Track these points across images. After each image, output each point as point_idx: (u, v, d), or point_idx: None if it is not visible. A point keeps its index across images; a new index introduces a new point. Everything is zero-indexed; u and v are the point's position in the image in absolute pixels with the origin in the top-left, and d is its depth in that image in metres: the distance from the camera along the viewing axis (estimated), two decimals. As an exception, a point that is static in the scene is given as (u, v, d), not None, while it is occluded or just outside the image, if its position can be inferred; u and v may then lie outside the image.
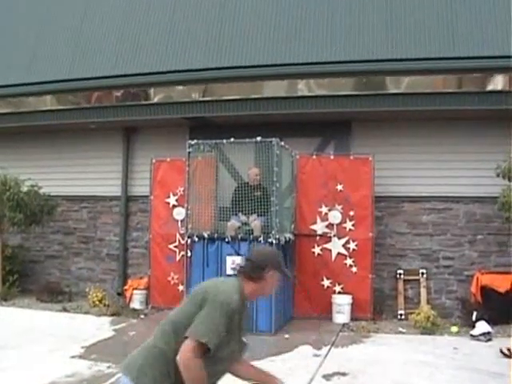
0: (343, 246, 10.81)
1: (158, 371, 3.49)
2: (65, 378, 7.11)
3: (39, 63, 13.06)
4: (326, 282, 10.85)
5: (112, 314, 11.03)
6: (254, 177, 10.38)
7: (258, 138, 9.69)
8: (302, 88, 10.89)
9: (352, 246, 10.76)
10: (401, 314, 10.94)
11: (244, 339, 3.79)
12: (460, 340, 9.28)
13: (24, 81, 12.75)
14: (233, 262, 9.58)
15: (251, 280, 3.74)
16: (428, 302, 10.81)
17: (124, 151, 12.97)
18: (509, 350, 8.03)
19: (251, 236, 9.65)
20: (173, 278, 11.49)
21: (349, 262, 10.77)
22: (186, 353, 3.36)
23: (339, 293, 10.74)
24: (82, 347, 8.60)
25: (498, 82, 9.98)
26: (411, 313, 10.33)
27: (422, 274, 11.09)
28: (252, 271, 3.74)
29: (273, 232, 9.45)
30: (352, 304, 10.50)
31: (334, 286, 10.82)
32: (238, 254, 9.58)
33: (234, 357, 3.71)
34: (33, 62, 13.12)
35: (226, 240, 9.71)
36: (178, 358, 3.38)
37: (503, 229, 10.73)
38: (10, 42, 13.71)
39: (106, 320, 10.63)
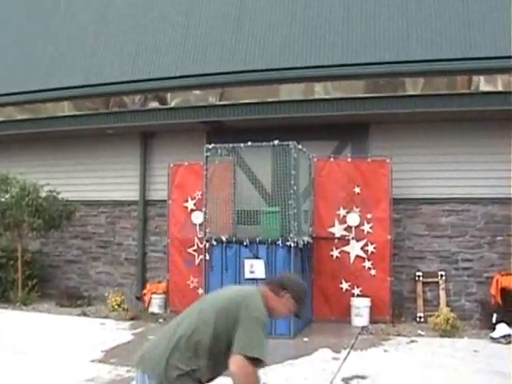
0: (361, 248, 10.79)
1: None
2: (84, 382, 7.13)
3: (57, 70, 13.15)
4: (345, 285, 10.83)
5: (131, 318, 11.07)
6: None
7: (276, 142, 9.69)
8: (319, 91, 10.89)
9: (370, 248, 10.74)
10: (420, 317, 10.89)
11: None
12: (480, 343, 9.22)
13: (42, 87, 12.84)
14: (251, 265, 9.60)
15: (273, 292, 3.94)
16: (447, 305, 10.75)
17: (141, 156, 13.02)
18: None
19: (269, 239, 9.63)
20: (192, 282, 11.51)
21: (367, 264, 10.74)
22: (240, 365, 3.53)
23: (358, 296, 10.72)
24: (102, 351, 8.63)
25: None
26: (430, 315, 10.28)
27: (441, 276, 11.03)
28: (275, 285, 3.97)
29: (291, 235, 9.44)
30: (371, 307, 10.47)
31: (353, 288, 10.79)
32: (257, 257, 9.59)
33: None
34: (50, 69, 13.21)
35: (245, 243, 9.71)
36: (232, 369, 3.54)
37: (523, 230, 10.67)
38: (27, 49, 13.82)
39: (125, 324, 10.67)
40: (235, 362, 3.54)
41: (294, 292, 3.97)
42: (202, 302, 4.04)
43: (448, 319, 9.71)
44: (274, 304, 3.92)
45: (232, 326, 3.66)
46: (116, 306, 11.63)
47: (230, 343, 3.62)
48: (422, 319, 10.81)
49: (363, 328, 10.19)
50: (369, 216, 10.80)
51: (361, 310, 10.45)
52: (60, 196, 12.82)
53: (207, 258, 10.08)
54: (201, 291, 10.92)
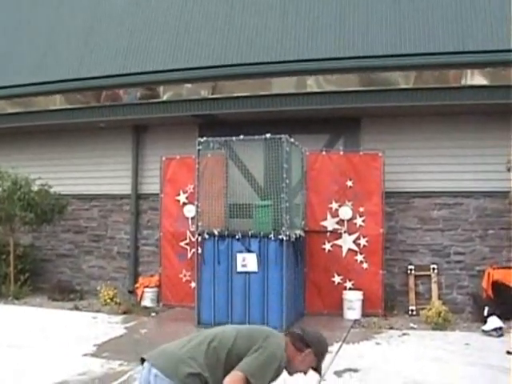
0: (354, 242, 10.79)
1: None
2: (77, 376, 7.13)
3: (48, 63, 13.10)
4: (337, 279, 10.83)
5: (123, 312, 11.05)
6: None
7: (268, 135, 9.66)
8: (311, 84, 10.88)
9: (362, 241, 10.75)
10: (412, 310, 10.92)
11: None
12: (472, 335, 9.25)
13: (33, 80, 12.77)
14: (243, 258, 9.59)
15: (293, 346, 3.98)
16: (439, 298, 10.79)
17: (134, 149, 12.99)
18: None
19: (262, 233, 9.62)
20: (185, 275, 11.53)
21: (359, 258, 10.75)
22: (236, 381, 3.59)
23: (350, 289, 10.73)
24: (94, 345, 8.62)
25: (508, 76, 9.92)
26: (422, 308, 10.32)
27: (433, 269, 11.06)
28: (298, 340, 4.01)
29: (283, 229, 9.43)
30: (363, 300, 10.49)
31: (345, 282, 10.80)
32: (249, 251, 9.58)
33: None
34: (42, 62, 13.16)
35: (237, 237, 9.70)
36: (226, 380, 3.60)
37: (515, 223, 10.70)
38: (18, 41, 13.75)
39: (117, 318, 10.66)
40: (232, 376, 3.60)
41: (317, 349, 4.03)
42: (226, 326, 4.22)
43: (440, 312, 9.74)
44: (292, 357, 3.95)
45: (247, 350, 3.74)
46: (108, 300, 11.64)
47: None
48: (414, 312, 10.83)
49: (355, 321, 10.20)
50: (361, 209, 10.81)
51: (353, 303, 10.47)
52: (52, 190, 12.77)
53: (199, 251, 10.07)
54: (193, 285, 10.92)
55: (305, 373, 4.11)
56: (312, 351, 3.99)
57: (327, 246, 10.90)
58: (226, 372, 3.68)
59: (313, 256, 10.93)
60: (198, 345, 3.81)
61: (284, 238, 9.41)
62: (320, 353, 4.06)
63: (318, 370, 4.12)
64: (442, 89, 10.30)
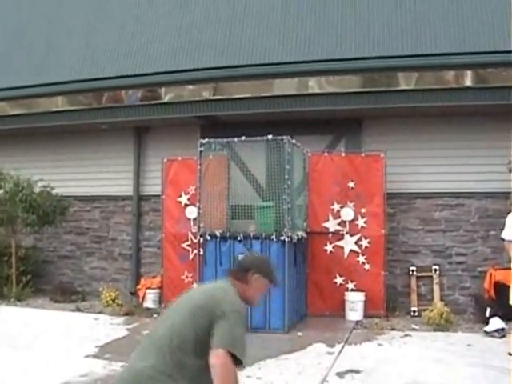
0: (355, 243, 10.79)
1: None
2: (79, 378, 7.13)
3: (50, 64, 13.11)
4: (339, 280, 10.83)
5: (125, 314, 11.05)
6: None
7: (269, 136, 9.67)
8: (313, 85, 10.87)
9: (364, 243, 10.74)
10: (414, 311, 10.91)
11: None
12: (474, 336, 9.24)
13: (35, 82, 12.78)
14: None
15: (238, 280, 3.80)
16: (441, 299, 10.78)
17: (135, 151, 13.00)
18: None
19: (263, 234, 9.62)
20: (187, 277, 11.51)
21: (361, 259, 10.75)
22: (222, 358, 3.30)
23: (352, 290, 10.73)
24: (96, 347, 8.62)
25: (509, 77, 9.92)
26: (424, 309, 10.31)
27: (435, 270, 11.05)
28: (239, 272, 3.85)
29: (285, 230, 9.44)
30: (365, 301, 10.48)
31: (347, 283, 10.80)
32: (251, 252, 9.59)
33: None
34: (44, 63, 13.17)
35: (239, 238, 9.70)
36: (213, 362, 3.31)
37: (516, 224, 10.68)
38: (20, 43, 13.76)
39: (119, 319, 10.66)
40: (217, 355, 3.31)
41: (259, 268, 3.85)
42: (173, 307, 3.81)
43: (442, 313, 9.73)
44: (245, 291, 3.77)
45: (210, 322, 3.44)
46: (110, 302, 11.61)
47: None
48: (416, 313, 10.82)
49: (357, 322, 10.20)
50: (363, 210, 10.80)
51: (355, 304, 10.46)
52: (54, 191, 12.78)
53: (201, 252, 10.08)
54: (195, 286, 10.91)
55: (259, 299, 3.94)
56: (257, 274, 3.81)
57: (329, 247, 10.90)
58: (198, 358, 3.42)
59: (314, 257, 10.94)
60: (158, 350, 3.54)
61: (286, 240, 9.42)
62: (264, 270, 3.88)
63: (274, 284, 3.96)
64: (444, 90, 10.29)
